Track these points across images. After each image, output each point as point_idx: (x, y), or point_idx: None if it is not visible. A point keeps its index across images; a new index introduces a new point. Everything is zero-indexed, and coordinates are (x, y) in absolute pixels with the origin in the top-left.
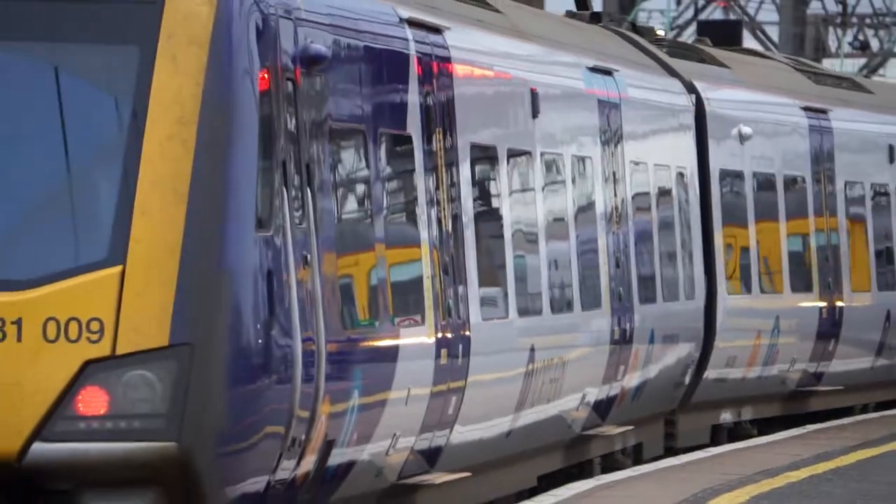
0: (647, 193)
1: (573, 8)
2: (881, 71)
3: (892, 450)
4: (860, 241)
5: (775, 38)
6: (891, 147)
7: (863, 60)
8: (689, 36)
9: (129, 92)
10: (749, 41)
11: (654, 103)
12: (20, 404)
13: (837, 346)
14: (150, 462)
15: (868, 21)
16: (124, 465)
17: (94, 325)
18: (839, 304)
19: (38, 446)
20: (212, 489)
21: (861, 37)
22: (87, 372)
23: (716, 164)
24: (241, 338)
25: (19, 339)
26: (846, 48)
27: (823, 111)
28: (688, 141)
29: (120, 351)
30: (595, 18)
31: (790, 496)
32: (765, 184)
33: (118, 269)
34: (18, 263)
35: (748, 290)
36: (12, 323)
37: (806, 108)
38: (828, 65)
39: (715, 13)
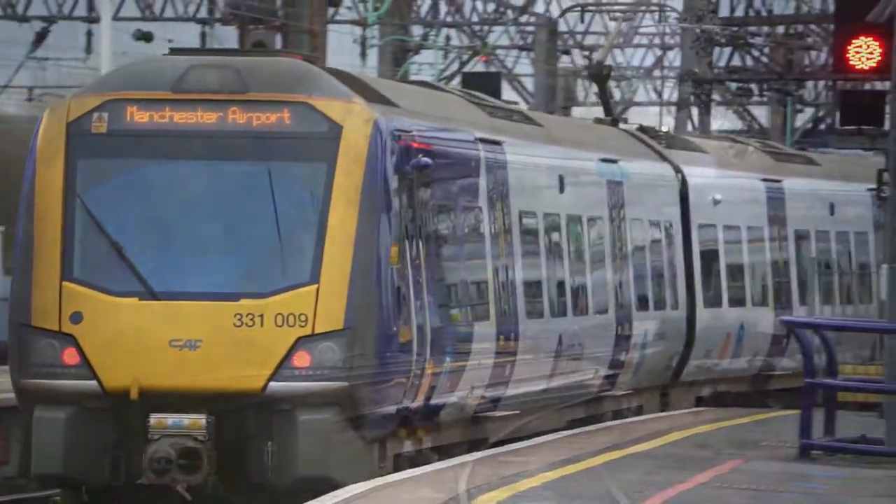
0: (643, 240)
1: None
2: (624, 116)
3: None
4: (808, 265)
5: (531, 88)
6: (832, 204)
7: None
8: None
9: (321, 188)
10: (507, 91)
11: (647, 180)
12: (263, 361)
13: (787, 346)
14: (333, 393)
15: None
16: (319, 394)
17: (303, 317)
18: (789, 313)
19: (272, 384)
20: (366, 408)
21: None
22: (299, 343)
23: (696, 220)
24: (383, 326)
25: (262, 325)
26: (592, 98)
27: (778, 180)
28: (673, 204)
29: (317, 332)
30: (614, 122)
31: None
32: (732, 232)
33: (315, 286)
34: (261, 283)
35: (719, 304)
36: (258, 316)
37: (764, 179)
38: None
39: (477, 66)
